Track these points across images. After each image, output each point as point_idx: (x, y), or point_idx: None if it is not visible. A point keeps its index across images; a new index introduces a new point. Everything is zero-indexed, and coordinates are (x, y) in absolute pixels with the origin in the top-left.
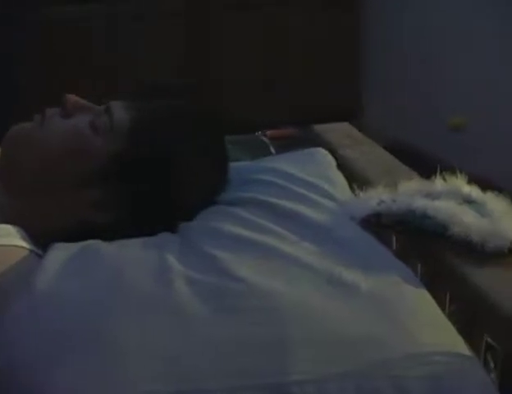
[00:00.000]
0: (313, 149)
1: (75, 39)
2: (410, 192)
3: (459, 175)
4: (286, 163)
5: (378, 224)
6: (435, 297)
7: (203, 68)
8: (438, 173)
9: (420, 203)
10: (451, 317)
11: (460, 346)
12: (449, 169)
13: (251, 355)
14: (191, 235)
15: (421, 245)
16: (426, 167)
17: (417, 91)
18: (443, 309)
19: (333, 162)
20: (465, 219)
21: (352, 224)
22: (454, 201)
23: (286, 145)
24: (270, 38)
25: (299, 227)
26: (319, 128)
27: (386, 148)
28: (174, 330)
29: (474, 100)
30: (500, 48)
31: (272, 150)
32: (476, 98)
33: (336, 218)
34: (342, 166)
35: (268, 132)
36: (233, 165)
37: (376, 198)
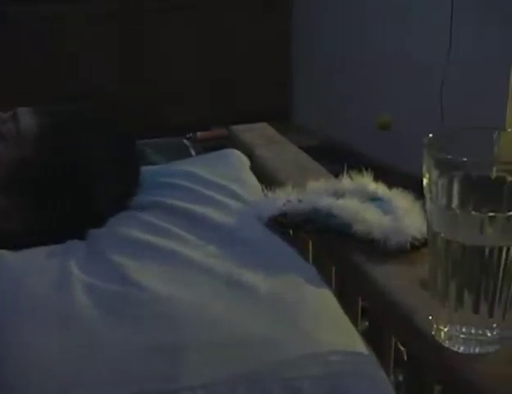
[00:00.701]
0: (227, 151)
1: (5, 39)
2: (318, 191)
3: (365, 172)
4: (198, 166)
5: (287, 224)
6: (346, 296)
7: (138, 69)
8: (345, 171)
9: (325, 202)
10: (364, 316)
11: (358, 345)
12: (380, 166)
13: (143, 363)
14: (98, 242)
15: (328, 243)
16: (357, 164)
17: (347, 91)
18: (356, 308)
19: (247, 163)
20: (368, 217)
21: (258, 225)
22: (358, 199)
23: (213, 147)
24: (204, 40)
25: (205, 230)
26: (237, 129)
27: (318, 146)
28: (63, 338)
29: (401, 99)
30: (425, 47)
31: (193, 153)
32: (402, 96)
33: (243, 220)
34: (258, 166)
35: (199, 133)
36: (146, 169)
37: (283, 198)
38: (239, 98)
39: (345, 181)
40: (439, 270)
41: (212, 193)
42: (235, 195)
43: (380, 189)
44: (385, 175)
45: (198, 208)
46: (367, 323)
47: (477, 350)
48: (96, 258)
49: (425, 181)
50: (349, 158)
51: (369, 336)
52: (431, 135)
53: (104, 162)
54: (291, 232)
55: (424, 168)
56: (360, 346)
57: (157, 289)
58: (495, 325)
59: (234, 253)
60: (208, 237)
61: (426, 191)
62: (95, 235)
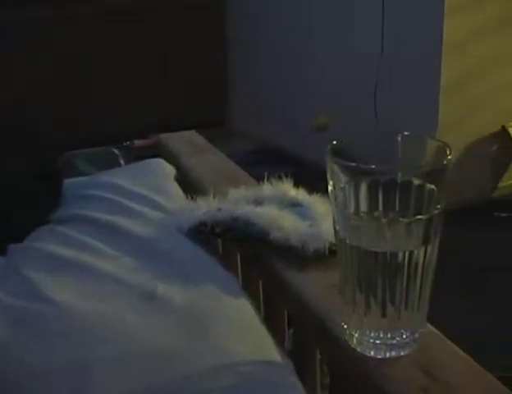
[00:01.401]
0: (151, 160)
1: None
2: (238, 199)
3: (284, 179)
4: (122, 177)
5: (208, 233)
6: (272, 305)
7: (73, 76)
8: (266, 178)
9: (244, 211)
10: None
11: (271, 354)
12: (317, 168)
13: (52, 379)
14: (16, 257)
15: (249, 251)
16: (291, 167)
17: (283, 93)
18: (282, 316)
19: (172, 173)
20: (285, 224)
21: (178, 235)
22: (277, 206)
23: (149, 155)
24: (139, 45)
25: (123, 242)
26: (166, 137)
27: (255, 151)
28: None
29: (336, 100)
30: (346, 47)
31: (122, 162)
32: (337, 97)
33: (162, 230)
34: (184, 175)
35: (136, 142)
36: (71, 181)
37: (204, 207)
38: (176, 104)
39: (266, 188)
40: (347, 276)
41: (133, 204)
42: (156, 206)
43: (300, 194)
44: (322, 178)
45: (118, 220)
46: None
47: (387, 354)
48: (11, 274)
49: (329, 188)
50: (287, 162)
51: (296, 344)
52: (334, 142)
53: (23, 176)
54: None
55: (328, 175)
56: (273, 355)
57: (70, 304)
58: (404, 329)
59: (150, 264)
60: (126, 249)
61: (331, 198)
62: (13, 251)
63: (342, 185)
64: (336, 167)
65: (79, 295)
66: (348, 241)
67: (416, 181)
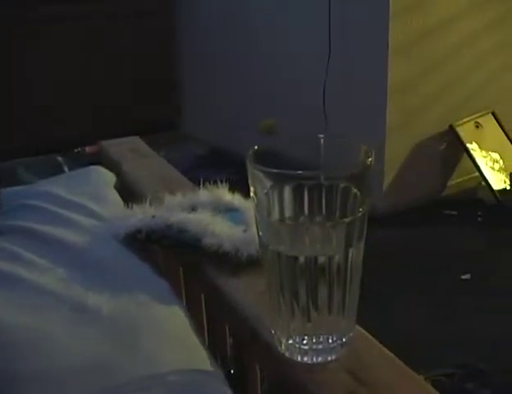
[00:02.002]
0: (90, 168)
1: None
2: (173, 205)
3: (219, 184)
4: (60, 186)
5: (143, 240)
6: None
7: (22, 85)
8: (201, 184)
9: (177, 217)
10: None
11: (202, 363)
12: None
13: None
14: None
15: (185, 258)
16: (242, 170)
17: (234, 97)
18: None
19: (111, 180)
20: (217, 230)
21: (112, 244)
22: (211, 211)
23: (91, 163)
24: (88, 50)
25: (57, 253)
26: (108, 143)
27: (206, 155)
28: None
29: (286, 102)
30: (294, 49)
31: (66, 170)
32: (287, 100)
33: (96, 239)
34: (124, 182)
35: (87, 148)
36: (10, 190)
37: (139, 214)
38: (126, 108)
39: (202, 194)
40: (271, 282)
41: (69, 213)
42: (93, 214)
43: (236, 199)
44: None
45: (53, 231)
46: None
47: (315, 359)
48: None
49: (251, 194)
50: (237, 166)
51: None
52: (256, 147)
53: None
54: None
55: (250, 181)
56: (204, 364)
57: None
58: (330, 334)
59: (83, 275)
60: (59, 260)
61: (253, 203)
62: None
63: (265, 191)
64: (258, 173)
65: (7, 309)
66: (270, 247)
67: (339, 185)
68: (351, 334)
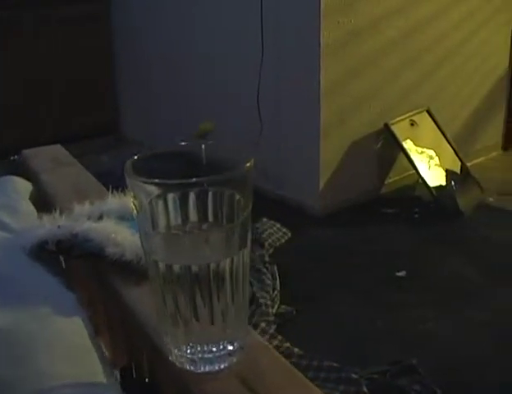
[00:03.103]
0: (5, 178)
1: None
2: (82, 214)
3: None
4: None
5: (52, 251)
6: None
7: None
8: (111, 191)
9: (83, 227)
10: None
11: (96, 375)
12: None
13: None
14: None
15: (91, 268)
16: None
17: (170, 101)
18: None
19: (26, 190)
20: (120, 238)
21: (19, 255)
22: (114, 220)
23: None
24: (28, 57)
25: None
26: (29, 152)
27: None
28: None
29: (222, 105)
30: (241, 50)
31: None
32: (221, 101)
33: (3, 252)
34: (41, 191)
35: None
36: None
37: (48, 224)
38: (67, 114)
39: (110, 201)
40: (156, 291)
41: None
42: (3, 226)
43: None
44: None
45: None
46: None
47: (206, 368)
48: None
49: (131, 205)
50: None
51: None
52: (135, 157)
53: None
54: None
55: (131, 192)
56: (98, 376)
57: None
58: (218, 342)
59: None
60: None
61: (134, 214)
62: None
63: (149, 201)
64: (138, 184)
65: None
66: (150, 256)
67: (221, 191)
68: (242, 342)
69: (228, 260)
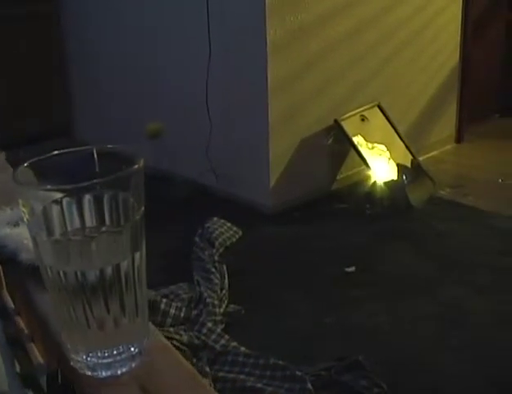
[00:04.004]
0: None
1: None
2: (2, 220)
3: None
4: None
5: None
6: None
7: None
8: None
9: None
10: None
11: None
12: (159, 175)
13: None
14: None
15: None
16: None
17: (121, 102)
18: None
19: None
20: (32, 244)
21: None
22: None
23: None
24: None
25: None
26: None
27: None
28: None
29: (172, 106)
30: (189, 49)
31: None
32: (171, 101)
33: None
34: None
35: None
36: None
37: None
38: (21, 118)
39: None
40: (53, 298)
41: None
42: None
43: None
44: (165, 182)
45: None
46: None
47: (105, 373)
48: None
49: (22, 213)
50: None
51: None
52: (25, 164)
53: None
54: None
55: (20, 201)
56: (3, 385)
57: None
58: (113, 347)
59: None
60: None
61: (25, 221)
62: None
63: (38, 208)
64: (27, 191)
65: None
66: (44, 263)
67: (113, 194)
68: (141, 345)
69: (119, 264)
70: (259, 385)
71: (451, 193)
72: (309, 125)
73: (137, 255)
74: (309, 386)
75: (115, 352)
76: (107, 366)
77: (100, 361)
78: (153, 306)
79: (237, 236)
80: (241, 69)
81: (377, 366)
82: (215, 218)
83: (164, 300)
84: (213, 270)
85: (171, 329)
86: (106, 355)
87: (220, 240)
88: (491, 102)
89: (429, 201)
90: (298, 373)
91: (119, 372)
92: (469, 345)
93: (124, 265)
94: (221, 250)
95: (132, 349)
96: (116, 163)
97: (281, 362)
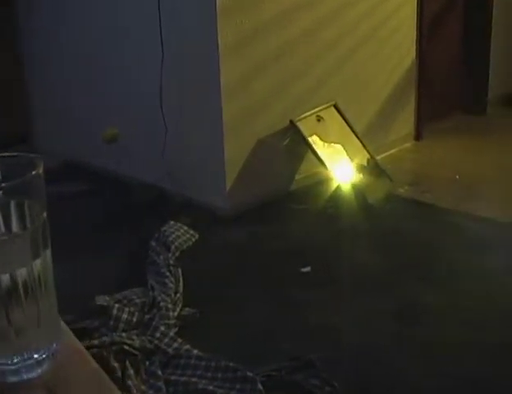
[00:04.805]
0: None
1: None
2: None
3: None
4: None
5: None
6: None
7: None
8: None
9: None
10: None
11: None
12: (111, 181)
13: None
14: None
15: None
16: (94, 180)
17: (79, 108)
18: None
19: None
20: None
21: None
22: None
23: None
24: None
25: None
26: None
27: (58, 168)
28: None
29: (127, 110)
30: (142, 54)
31: None
32: (129, 108)
33: None
34: None
35: None
36: None
37: None
38: None
39: None
40: None
41: None
42: None
43: None
44: (123, 187)
45: None
46: None
47: (13, 378)
48: None
49: None
50: (89, 177)
51: None
52: None
53: None
54: None
55: None
56: None
57: None
58: (25, 351)
59: None
60: None
61: None
62: None
63: None
64: None
65: None
66: None
67: (18, 200)
68: (50, 350)
69: (15, 272)
70: (211, 387)
71: (409, 190)
72: (266, 127)
73: (37, 262)
74: (260, 386)
75: (19, 359)
76: (14, 372)
77: (6, 368)
78: (105, 312)
79: (193, 240)
80: (194, 72)
81: (329, 365)
82: (171, 222)
83: (116, 306)
84: (168, 274)
85: (124, 334)
86: (10, 362)
87: (176, 243)
88: (451, 99)
89: (387, 199)
90: (249, 374)
91: (25, 377)
92: (426, 342)
93: (21, 273)
94: (177, 254)
95: (37, 356)
96: (18, 170)
97: (232, 364)
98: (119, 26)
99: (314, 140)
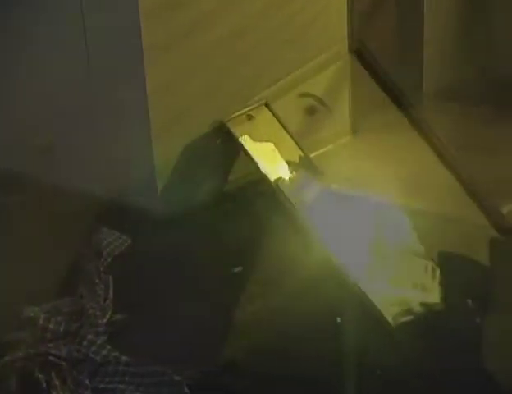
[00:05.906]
0: None
1: None
2: None
3: None
4: None
5: None
6: None
7: None
8: None
9: None
10: None
11: None
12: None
13: None
14: None
15: None
16: (22, 193)
17: (7, 117)
18: None
19: None
20: None
21: None
22: None
23: None
24: None
25: None
26: None
27: None
28: None
29: (59, 119)
30: (65, 56)
31: None
32: (60, 116)
33: None
34: None
35: None
36: None
37: None
38: None
39: None
40: None
41: None
42: None
43: None
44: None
45: None
46: None
47: None
48: None
49: None
50: (17, 188)
51: None
52: None
53: None
54: None
55: None
56: None
57: None
58: None
59: None
60: None
61: None
62: None
63: None
64: None
65: None
66: None
67: None
68: None
69: None
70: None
71: (343, 186)
72: (197, 128)
73: None
74: (186, 390)
75: None
76: None
77: None
78: (31, 322)
79: (126, 245)
80: (120, 74)
81: (257, 365)
82: (104, 228)
83: (43, 316)
84: (97, 281)
85: (50, 344)
86: None
87: (108, 249)
88: (389, 93)
89: (320, 195)
90: (176, 377)
91: None
92: None
93: None
94: (108, 260)
95: None
96: None
97: (158, 368)
98: (41, 23)
99: (246, 140)
